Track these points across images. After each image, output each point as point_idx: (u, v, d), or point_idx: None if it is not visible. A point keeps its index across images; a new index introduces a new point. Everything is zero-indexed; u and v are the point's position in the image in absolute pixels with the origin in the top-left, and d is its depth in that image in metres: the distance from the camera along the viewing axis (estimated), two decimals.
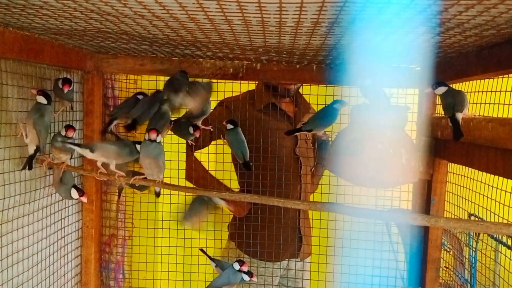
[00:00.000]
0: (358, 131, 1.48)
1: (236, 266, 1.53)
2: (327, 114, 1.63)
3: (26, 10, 1.00)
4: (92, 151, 1.42)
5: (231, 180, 1.98)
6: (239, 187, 2.00)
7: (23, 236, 1.47)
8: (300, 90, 2.00)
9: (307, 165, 1.95)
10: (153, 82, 1.85)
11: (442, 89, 1.33)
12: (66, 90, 1.48)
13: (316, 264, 1.93)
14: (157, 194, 1.63)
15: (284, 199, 1.28)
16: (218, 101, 1.93)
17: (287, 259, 1.97)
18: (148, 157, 1.39)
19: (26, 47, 1.30)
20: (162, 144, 1.44)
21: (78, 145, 1.46)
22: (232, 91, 1.92)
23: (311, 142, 1.96)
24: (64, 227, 1.71)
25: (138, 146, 1.43)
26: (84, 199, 1.50)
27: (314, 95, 1.87)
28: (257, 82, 1.97)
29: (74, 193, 1.48)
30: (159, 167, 1.41)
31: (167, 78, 1.81)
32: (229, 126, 1.65)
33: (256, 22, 0.97)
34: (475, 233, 1.70)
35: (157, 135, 1.39)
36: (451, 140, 1.41)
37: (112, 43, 1.42)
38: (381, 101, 1.51)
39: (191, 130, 1.59)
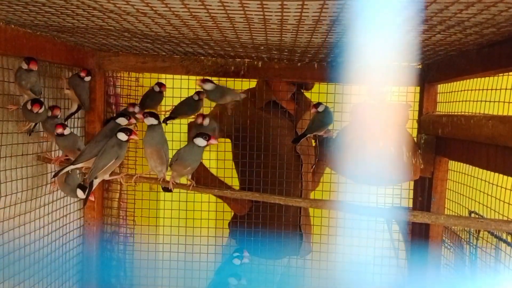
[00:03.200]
0: (359, 129, 1.48)
1: (237, 261, 1.51)
2: (321, 118, 1.64)
3: (28, 8, 1.00)
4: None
5: (232, 177, 1.99)
6: (239, 185, 2.00)
7: (25, 233, 1.47)
8: None
9: (308, 162, 1.95)
10: (155, 80, 1.85)
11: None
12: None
13: (317, 262, 1.93)
14: (166, 189, 1.52)
15: (285, 197, 1.28)
16: None
17: (287, 257, 1.98)
18: (151, 146, 1.36)
19: (28, 44, 1.30)
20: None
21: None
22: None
23: (312, 140, 1.96)
24: (66, 224, 1.72)
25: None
26: (91, 197, 1.49)
27: (315, 93, 1.87)
28: (257, 80, 1.97)
29: (80, 193, 1.48)
30: (161, 159, 1.38)
31: (169, 76, 1.82)
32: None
33: (257, 20, 0.98)
34: (476, 230, 1.70)
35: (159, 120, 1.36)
36: (452, 138, 1.42)
37: (114, 40, 1.43)
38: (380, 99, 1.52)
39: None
